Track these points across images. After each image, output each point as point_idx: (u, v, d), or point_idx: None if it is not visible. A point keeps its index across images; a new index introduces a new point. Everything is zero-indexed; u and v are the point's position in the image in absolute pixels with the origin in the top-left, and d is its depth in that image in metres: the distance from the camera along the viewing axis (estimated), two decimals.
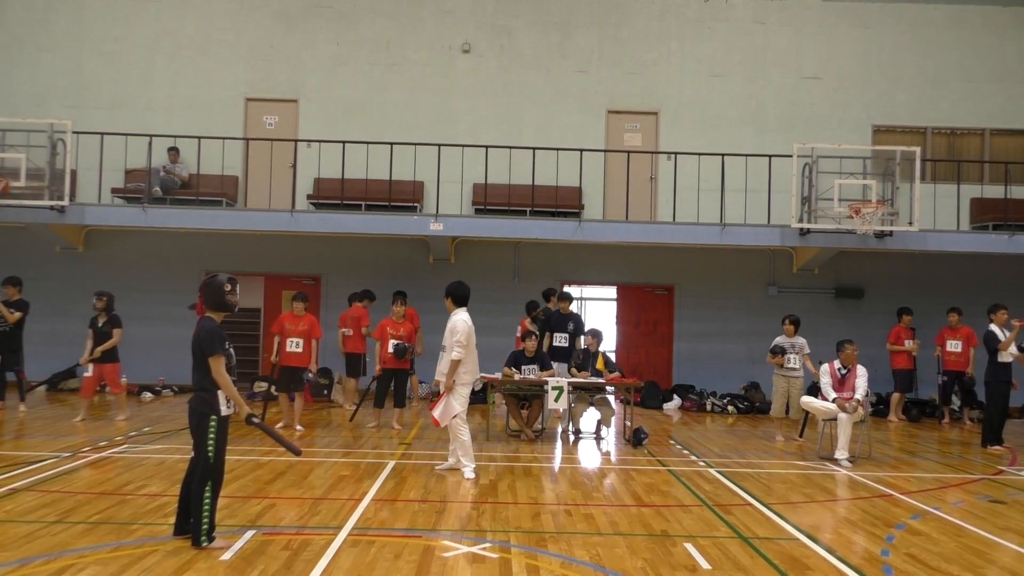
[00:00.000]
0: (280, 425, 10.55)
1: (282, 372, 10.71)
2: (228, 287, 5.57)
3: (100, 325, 11.02)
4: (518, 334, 13.13)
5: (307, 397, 10.80)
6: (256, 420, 5.60)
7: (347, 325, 12.77)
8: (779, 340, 11.05)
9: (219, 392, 5.43)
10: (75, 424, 10.79)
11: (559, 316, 11.93)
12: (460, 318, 8.05)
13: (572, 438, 10.76)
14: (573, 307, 12.15)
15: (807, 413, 10.69)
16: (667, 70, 15.85)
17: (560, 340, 11.78)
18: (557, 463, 9.10)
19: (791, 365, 10.86)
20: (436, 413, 7.99)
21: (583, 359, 10.96)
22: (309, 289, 15.26)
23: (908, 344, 13.45)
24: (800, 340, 10.99)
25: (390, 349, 10.83)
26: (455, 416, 7.94)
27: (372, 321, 12.58)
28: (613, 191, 15.12)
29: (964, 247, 14.02)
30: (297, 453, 5.94)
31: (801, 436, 11.00)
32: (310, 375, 10.51)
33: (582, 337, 11.99)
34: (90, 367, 10.99)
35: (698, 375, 15.25)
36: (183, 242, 15.02)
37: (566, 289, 13.21)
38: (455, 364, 7.89)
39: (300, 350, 10.59)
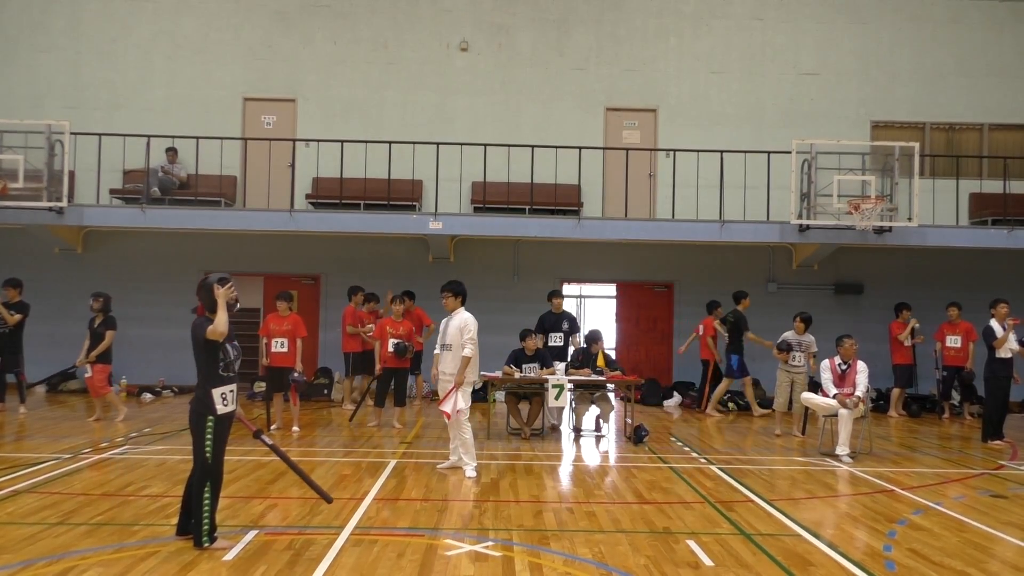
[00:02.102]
0: (274, 427, 10.54)
1: (270, 373, 10.70)
2: (218, 288, 5.53)
3: (96, 326, 11.04)
4: (698, 332, 13.21)
5: (293, 398, 10.72)
6: (269, 442, 5.72)
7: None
8: (787, 335, 11.14)
9: (214, 391, 5.39)
10: (90, 423, 10.87)
11: (552, 315, 11.91)
12: (470, 316, 8.10)
13: (572, 436, 10.76)
14: (569, 306, 12.14)
15: (807, 409, 10.72)
16: (665, 67, 15.84)
17: (555, 340, 11.76)
18: (558, 461, 9.10)
19: (795, 362, 10.93)
20: (446, 407, 7.99)
21: (582, 360, 10.95)
22: (308, 289, 15.30)
23: (906, 341, 13.42)
24: (809, 338, 11.06)
25: (390, 348, 10.83)
26: (458, 412, 7.95)
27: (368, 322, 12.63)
28: (612, 188, 15.12)
29: (963, 242, 14.02)
30: (328, 500, 6.14)
31: (803, 433, 11.00)
32: (295, 375, 10.45)
33: (577, 336, 11.99)
34: (89, 368, 11.02)
35: (698, 372, 15.19)
36: (182, 242, 15.01)
37: (558, 288, 13.22)
38: (467, 361, 7.92)
39: (285, 350, 10.52)
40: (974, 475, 8.64)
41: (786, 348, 10.96)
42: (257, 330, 14.89)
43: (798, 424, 11.09)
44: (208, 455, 5.37)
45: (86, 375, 11.21)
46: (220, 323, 5.37)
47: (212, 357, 5.43)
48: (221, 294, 5.47)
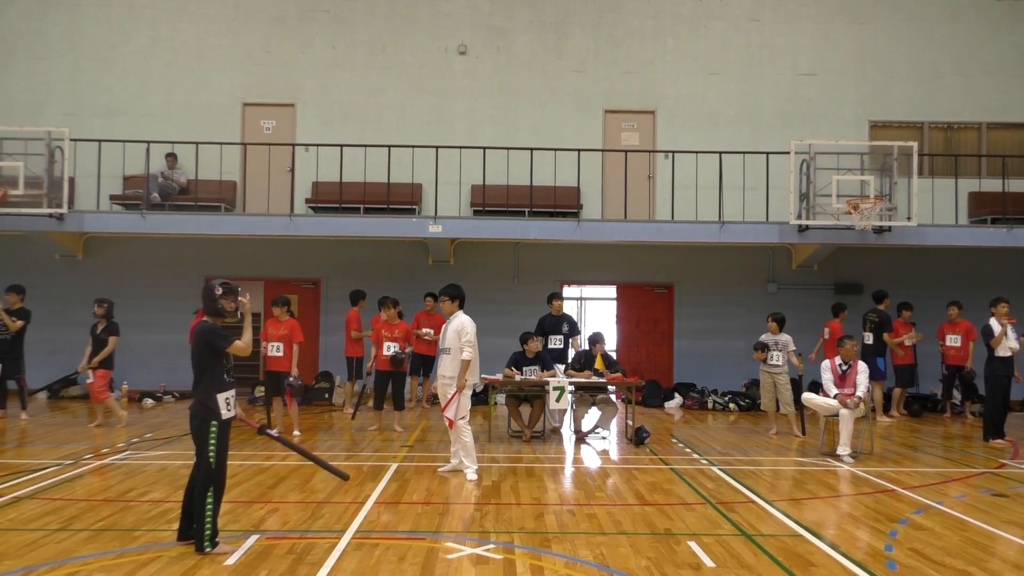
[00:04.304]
0: (275, 431, 10.53)
1: (267, 377, 10.74)
2: (218, 291, 5.53)
3: (99, 332, 11.05)
4: (825, 336, 12.86)
5: (288, 402, 10.73)
6: (275, 434, 5.79)
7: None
8: (763, 337, 11.28)
9: (218, 396, 5.41)
10: (91, 429, 10.88)
11: (552, 318, 11.92)
12: (467, 319, 8.09)
13: (574, 438, 10.76)
14: (570, 308, 12.13)
15: (803, 409, 10.75)
16: (663, 69, 15.86)
17: (555, 342, 11.76)
18: (559, 463, 9.10)
19: (773, 362, 10.99)
20: (449, 413, 8.00)
21: (583, 362, 10.96)
22: (309, 293, 15.31)
23: (906, 337, 13.41)
24: (784, 337, 11.08)
25: (386, 352, 10.90)
26: (461, 417, 7.97)
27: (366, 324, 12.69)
28: (611, 190, 15.13)
29: (962, 241, 14.02)
30: (345, 478, 6.29)
31: (804, 434, 11.01)
32: (291, 379, 10.45)
33: (577, 338, 12.00)
34: (91, 374, 11.03)
35: (699, 373, 15.25)
36: (182, 248, 15.03)
37: (558, 290, 13.24)
38: (467, 364, 7.92)
39: (280, 354, 10.52)
40: (975, 474, 8.64)
41: (762, 348, 11.03)
42: (257, 334, 15.00)
43: (797, 424, 11.11)
44: (212, 460, 5.38)
45: (88, 381, 11.21)
46: (247, 344, 5.54)
47: (218, 364, 5.47)
48: (247, 312, 5.66)
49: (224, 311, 5.56)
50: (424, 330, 12.69)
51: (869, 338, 12.85)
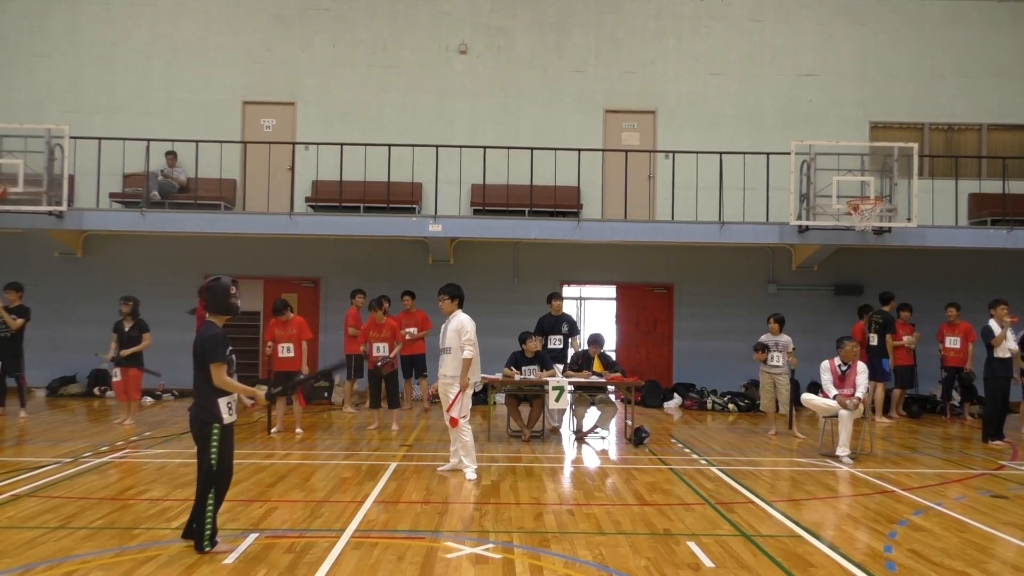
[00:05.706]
0: (275, 430, 10.56)
1: (277, 377, 10.73)
2: (232, 290, 5.54)
3: (127, 330, 11.10)
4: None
5: (300, 400, 10.80)
6: (276, 391, 5.78)
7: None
8: (764, 338, 11.28)
9: (220, 400, 5.38)
10: (123, 426, 10.92)
11: (552, 318, 11.91)
12: (466, 318, 8.11)
13: (573, 438, 10.76)
14: (569, 308, 12.11)
15: (793, 408, 10.76)
16: (664, 69, 15.85)
17: (555, 342, 11.76)
18: (559, 463, 9.10)
19: (774, 363, 11.01)
20: (453, 413, 8.00)
21: (582, 363, 10.96)
22: (308, 292, 15.31)
23: (907, 339, 13.42)
24: (784, 338, 11.09)
25: (375, 353, 10.99)
26: (462, 416, 7.98)
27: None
28: (611, 190, 15.12)
29: (963, 243, 14.01)
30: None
31: (791, 428, 11.04)
32: (302, 377, 10.49)
33: (577, 338, 12.01)
34: (117, 372, 11.04)
35: (698, 373, 15.25)
36: (182, 246, 15.02)
37: (557, 290, 13.23)
38: (468, 363, 7.93)
39: (292, 355, 10.62)
40: (974, 475, 8.64)
41: (762, 349, 11.06)
42: (256, 333, 14.98)
43: (795, 423, 11.11)
44: (213, 463, 5.36)
45: (114, 380, 11.22)
46: (227, 386, 5.38)
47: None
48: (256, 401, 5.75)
49: (235, 309, 5.56)
50: (407, 329, 12.69)
51: (874, 339, 12.86)
